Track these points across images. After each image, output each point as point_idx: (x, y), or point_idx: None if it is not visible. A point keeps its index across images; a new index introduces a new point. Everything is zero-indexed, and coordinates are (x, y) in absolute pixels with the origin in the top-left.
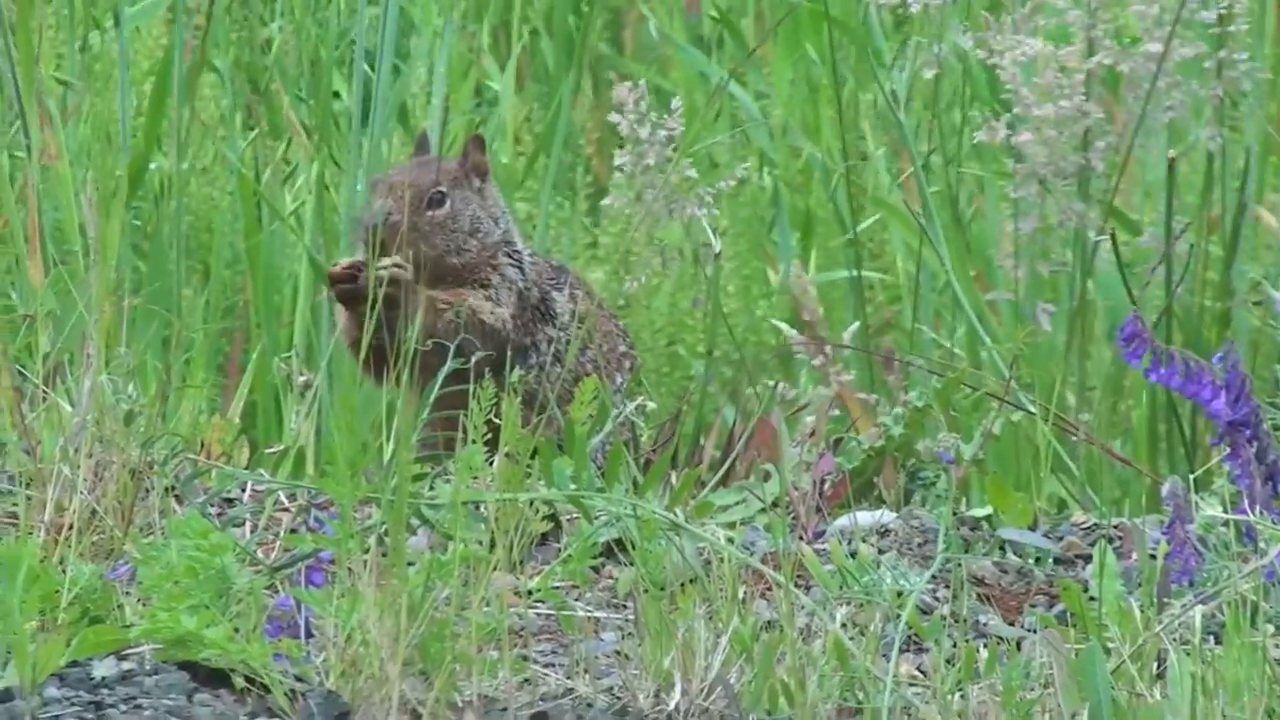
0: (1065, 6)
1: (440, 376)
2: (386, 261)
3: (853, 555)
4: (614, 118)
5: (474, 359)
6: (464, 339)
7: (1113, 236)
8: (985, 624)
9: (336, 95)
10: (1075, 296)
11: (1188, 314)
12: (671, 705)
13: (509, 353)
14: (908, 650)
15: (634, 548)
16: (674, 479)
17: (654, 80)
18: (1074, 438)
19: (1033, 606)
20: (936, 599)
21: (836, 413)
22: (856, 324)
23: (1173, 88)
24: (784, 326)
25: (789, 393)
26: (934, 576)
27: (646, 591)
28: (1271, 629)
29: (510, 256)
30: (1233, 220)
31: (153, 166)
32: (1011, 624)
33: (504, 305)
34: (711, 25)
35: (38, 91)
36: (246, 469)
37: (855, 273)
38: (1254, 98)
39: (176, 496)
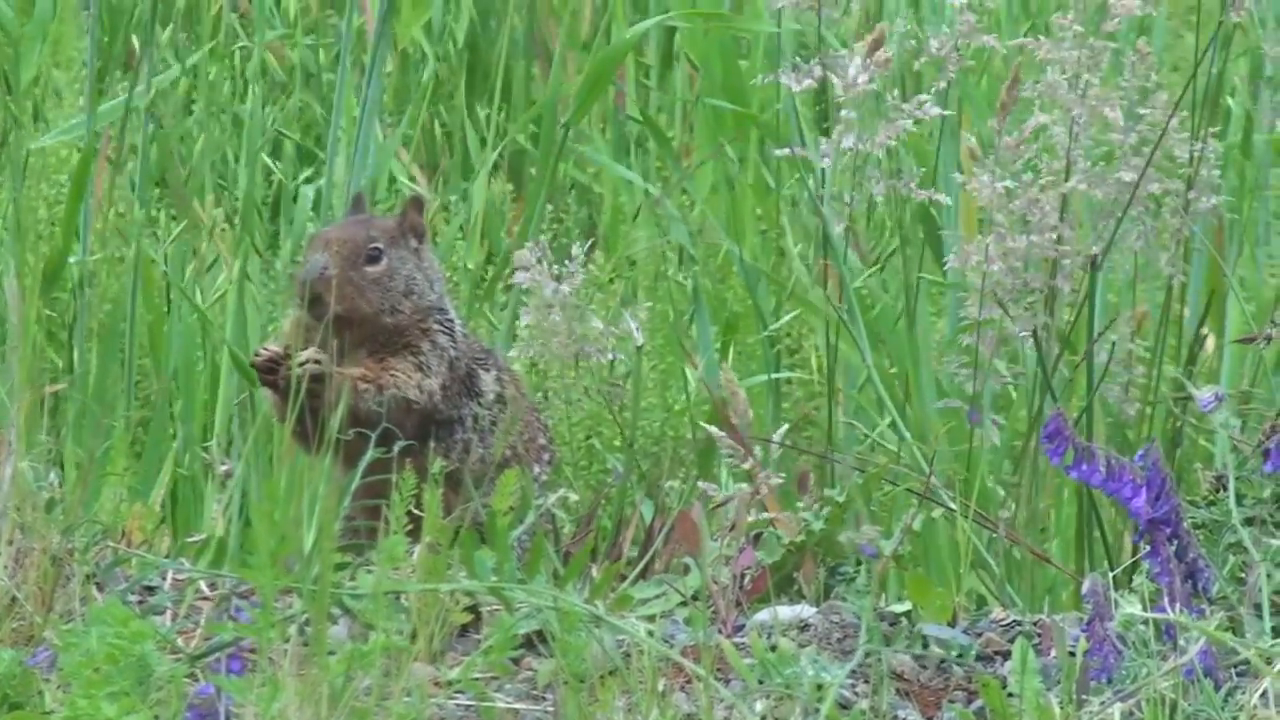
0: (1051, 124)
1: (361, 466)
2: (305, 355)
3: (773, 649)
4: (518, 277)
5: (398, 444)
6: (389, 412)
7: (1035, 337)
8: (904, 719)
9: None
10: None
11: (1110, 413)
12: None
13: (434, 425)
14: None
15: (554, 639)
16: (594, 571)
17: (585, 180)
18: (994, 534)
19: (951, 702)
20: (856, 694)
21: (756, 516)
22: (786, 425)
23: (1142, 216)
24: (711, 429)
25: (711, 489)
26: (854, 671)
27: (566, 683)
28: None
29: (442, 324)
30: (1160, 316)
31: (71, 260)
32: (930, 719)
33: (433, 375)
34: (636, 126)
35: None
36: (167, 557)
37: (770, 376)
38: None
39: (97, 584)
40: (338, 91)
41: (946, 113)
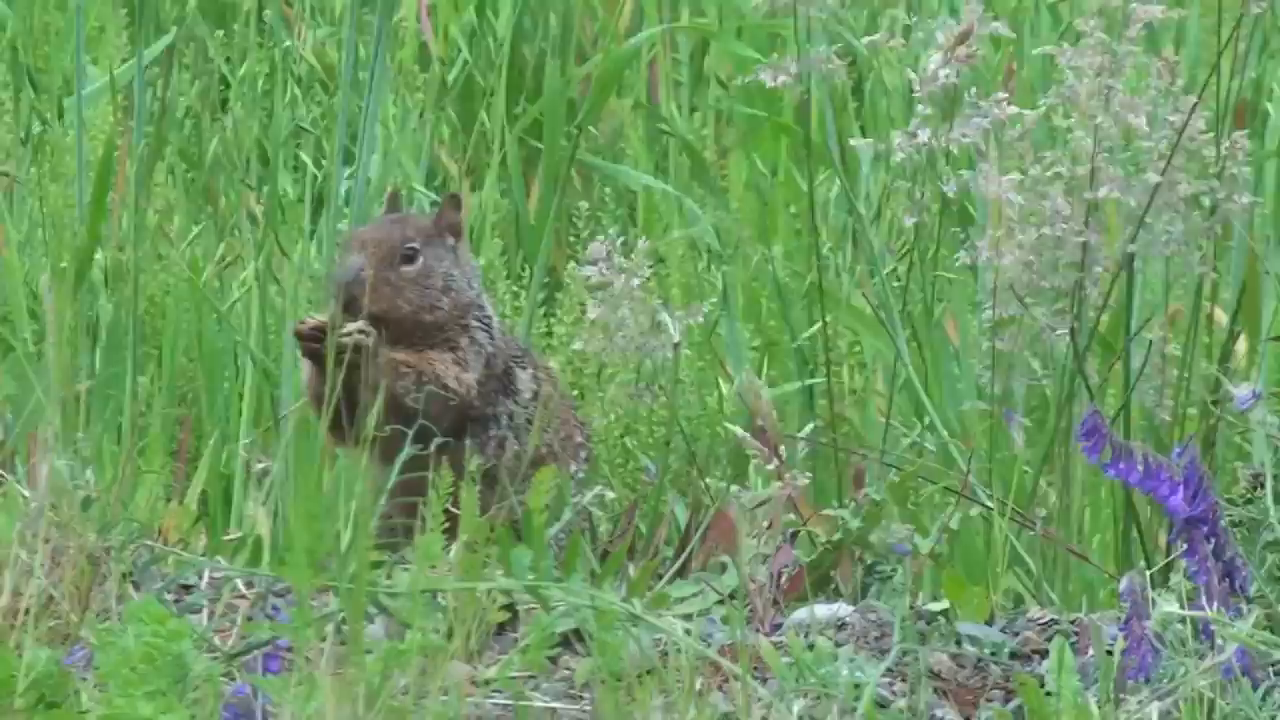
0: (1074, 130)
1: (398, 463)
2: (352, 327)
3: (810, 648)
4: (586, 270)
5: (435, 441)
6: (428, 399)
7: (1072, 334)
8: (941, 718)
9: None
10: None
11: (1146, 411)
12: None
13: (469, 422)
14: None
15: (591, 638)
16: (631, 570)
17: (619, 181)
18: (1031, 533)
19: (989, 701)
20: (893, 693)
21: (791, 516)
22: (812, 424)
23: (1172, 220)
24: (737, 430)
25: (744, 493)
26: (891, 670)
27: (604, 682)
28: None
29: (480, 320)
30: (1190, 315)
31: (99, 258)
32: (968, 718)
33: (470, 370)
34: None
35: None
36: (204, 555)
37: (804, 383)
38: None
39: (134, 582)
40: (369, 90)
41: (1025, 111)
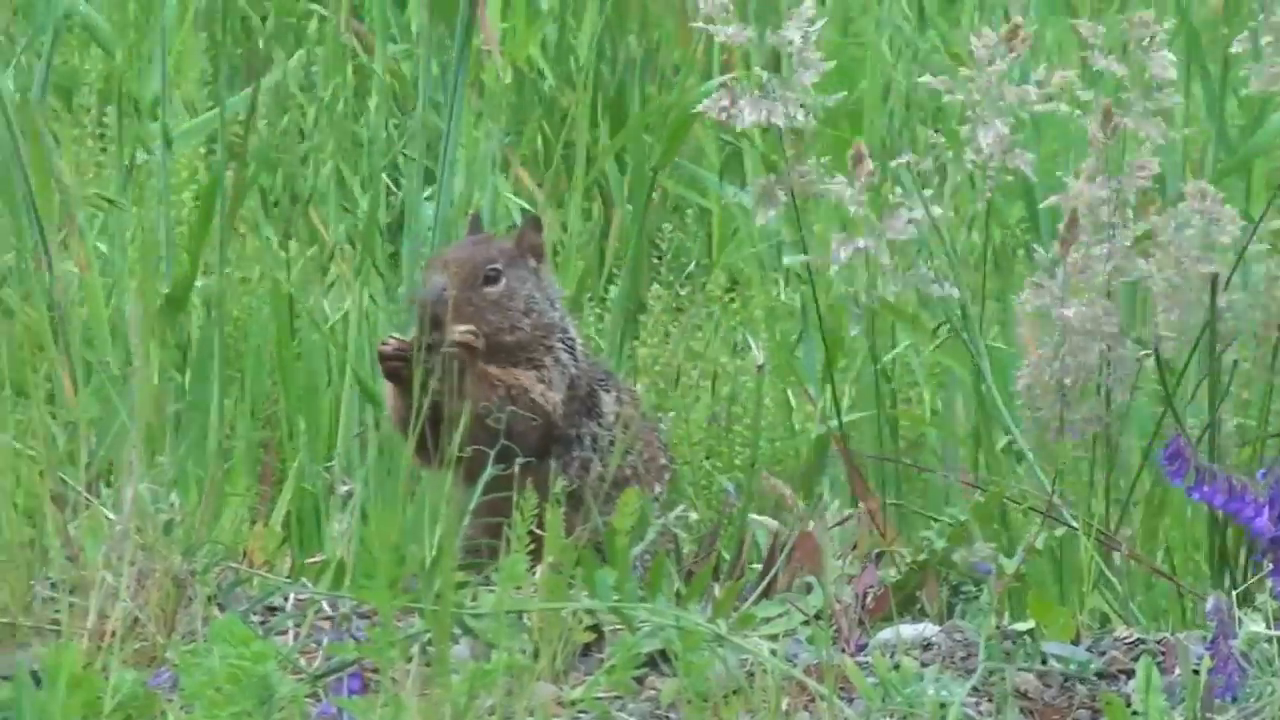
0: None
1: (481, 483)
2: (462, 328)
3: (896, 668)
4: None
5: (519, 461)
6: (512, 419)
7: (1157, 358)
8: None
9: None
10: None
11: (1229, 434)
12: None
13: (553, 443)
14: None
15: (677, 658)
16: (716, 590)
17: (694, 198)
18: (1116, 553)
19: None
20: (979, 712)
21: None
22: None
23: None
24: (774, 479)
25: (825, 508)
26: (977, 690)
27: (690, 702)
28: None
29: (563, 342)
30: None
31: (198, 284)
32: None
33: (555, 389)
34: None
35: (67, 205)
36: (288, 578)
37: (879, 413)
38: None
39: (219, 604)
40: (449, 110)
41: (1067, 109)
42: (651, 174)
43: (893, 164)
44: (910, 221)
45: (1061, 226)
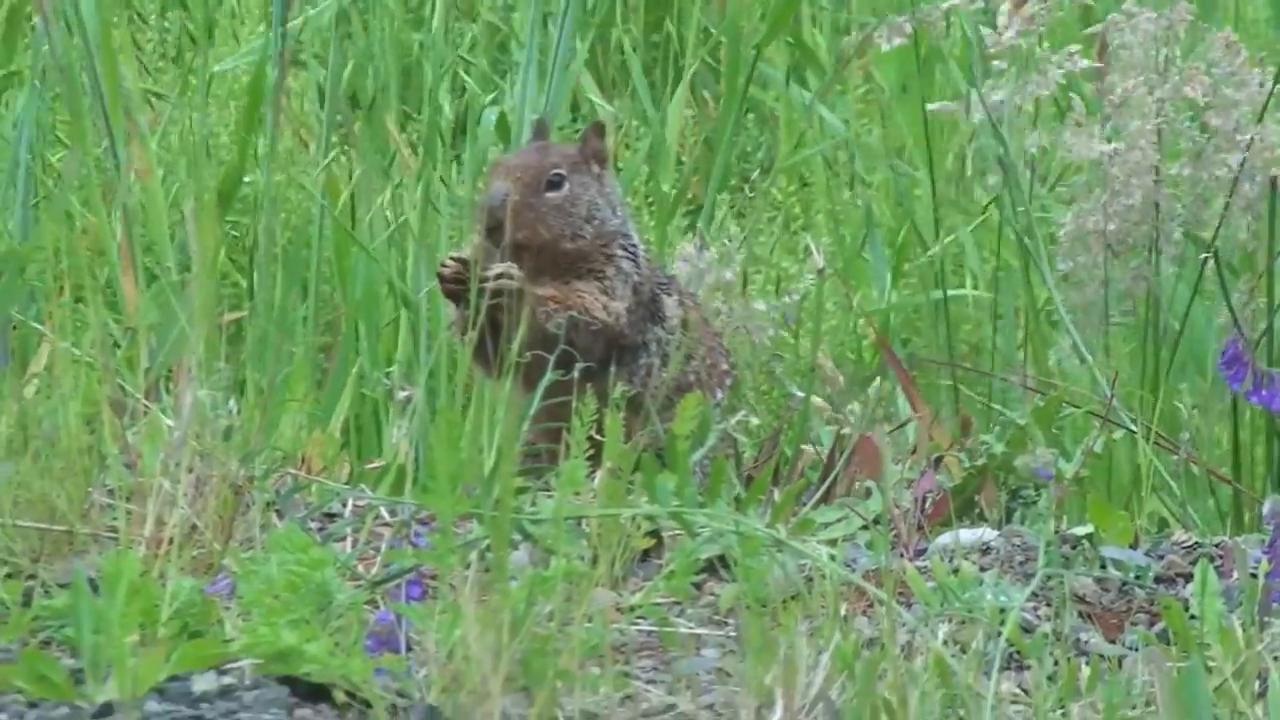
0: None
1: (541, 389)
2: (497, 268)
3: (955, 573)
4: (680, 267)
5: (578, 366)
6: (575, 334)
7: (1216, 257)
8: (1087, 642)
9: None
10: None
11: None
12: None
13: (618, 350)
14: (1009, 668)
15: (736, 564)
16: (775, 495)
17: (752, 98)
18: (1175, 456)
19: (1134, 625)
20: (1038, 617)
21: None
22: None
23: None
24: (816, 399)
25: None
26: (1035, 595)
27: (748, 608)
28: None
29: (625, 249)
30: None
31: (248, 180)
32: (1113, 642)
33: (619, 299)
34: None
35: (126, 108)
36: (346, 484)
37: (944, 293)
38: None
39: (277, 511)
40: (530, 13)
41: (1096, 65)
42: (755, 51)
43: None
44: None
45: (1095, 51)
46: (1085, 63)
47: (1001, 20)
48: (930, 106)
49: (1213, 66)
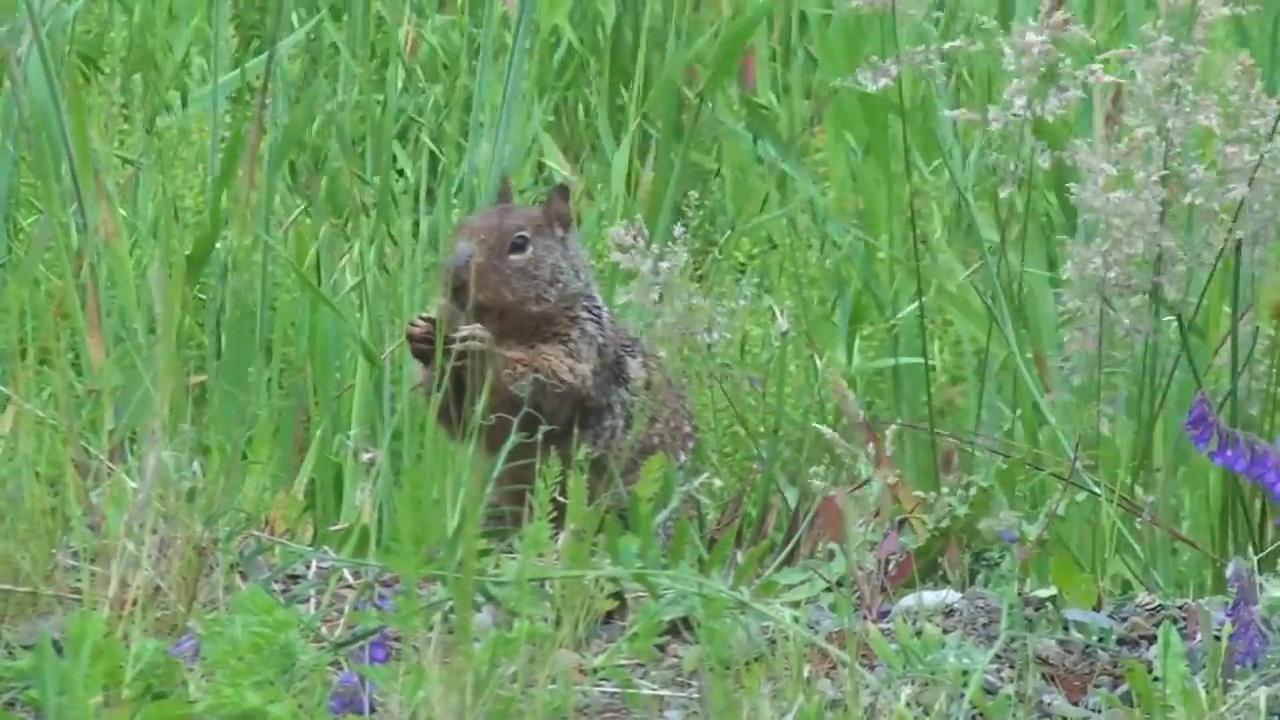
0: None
1: (505, 450)
2: (465, 330)
3: (918, 634)
4: (615, 257)
5: (542, 429)
6: (541, 397)
7: (1180, 321)
8: (1050, 704)
9: (400, 173)
10: (1144, 384)
11: (1253, 398)
12: None
13: (582, 413)
14: None
15: (699, 626)
16: (739, 557)
17: (710, 164)
18: (1139, 519)
19: (1097, 687)
20: (1001, 679)
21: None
22: (897, 422)
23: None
24: (824, 429)
25: (853, 469)
26: (999, 656)
27: (711, 670)
28: None
29: (589, 311)
30: None
31: (218, 245)
32: (1076, 704)
33: (584, 361)
34: (763, 111)
35: (95, 170)
36: (310, 546)
37: (895, 361)
38: None
39: (241, 573)
40: (479, 77)
41: (1119, 80)
42: (698, 100)
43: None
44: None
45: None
46: (1108, 78)
47: (1029, 37)
48: (948, 113)
49: (1230, 94)
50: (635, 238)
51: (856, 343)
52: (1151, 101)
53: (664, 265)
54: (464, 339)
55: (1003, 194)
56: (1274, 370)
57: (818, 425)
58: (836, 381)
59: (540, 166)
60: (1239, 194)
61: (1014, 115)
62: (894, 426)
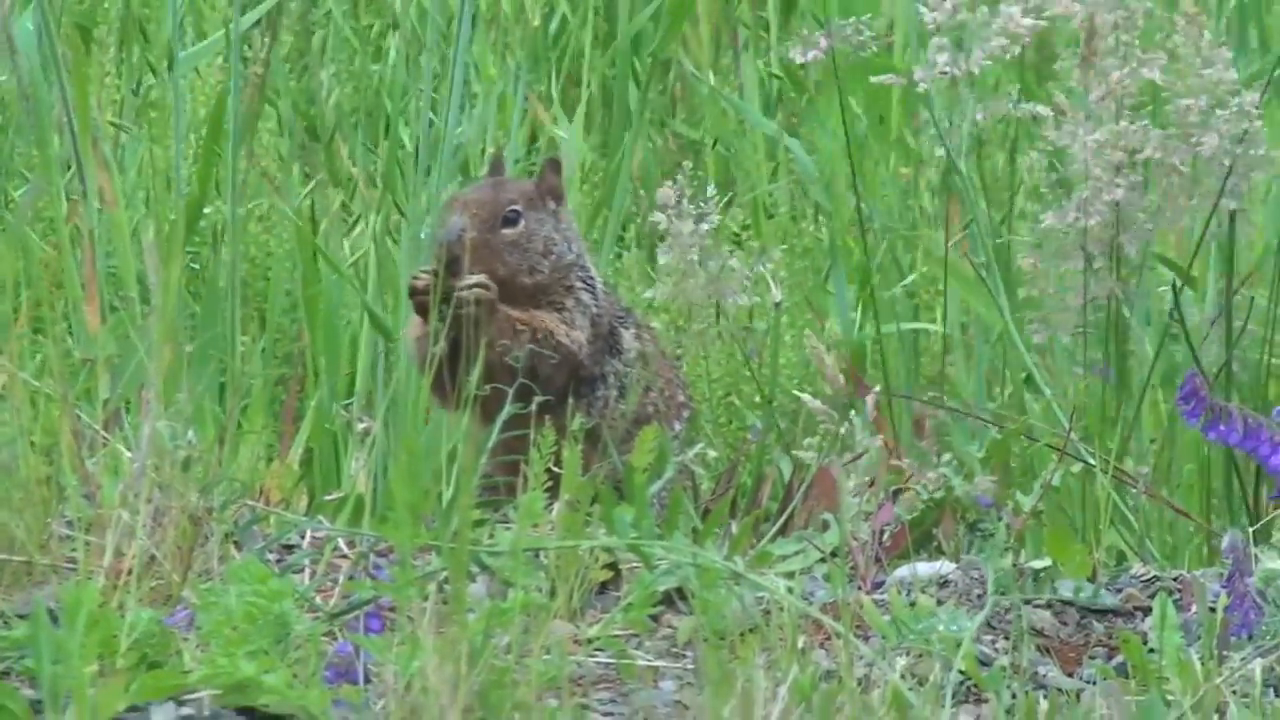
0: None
1: (499, 421)
2: (472, 279)
3: (912, 605)
4: (656, 216)
5: (537, 399)
6: (538, 360)
7: (1174, 289)
8: (1045, 675)
9: (400, 145)
10: (1113, 348)
11: (1246, 370)
12: None
13: (575, 382)
14: (968, 701)
15: (694, 596)
16: (734, 527)
17: (689, 134)
18: (1133, 490)
19: (1092, 658)
20: (996, 650)
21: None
22: (877, 388)
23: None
24: (806, 397)
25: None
26: (993, 627)
27: (706, 640)
28: None
29: (583, 281)
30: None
31: (208, 211)
32: (1071, 675)
33: (578, 328)
34: (766, 79)
35: (94, 138)
36: (305, 515)
37: (898, 328)
38: None
39: (235, 542)
40: (456, 47)
41: (1040, 23)
42: (650, 58)
43: None
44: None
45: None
46: (1028, 22)
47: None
48: (875, 79)
49: (1177, 48)
50: (679, 198)
51: (861, 309)
52: (1099, 56)
53: (702, 227)
54: (470, 287)
55: (939, 154)
56: (1267, 339)
57: (799, 393)
58: (815, 347)
59: (533, 135)
60: (1211, 147)
61: (940, 74)
62: (872, 395)
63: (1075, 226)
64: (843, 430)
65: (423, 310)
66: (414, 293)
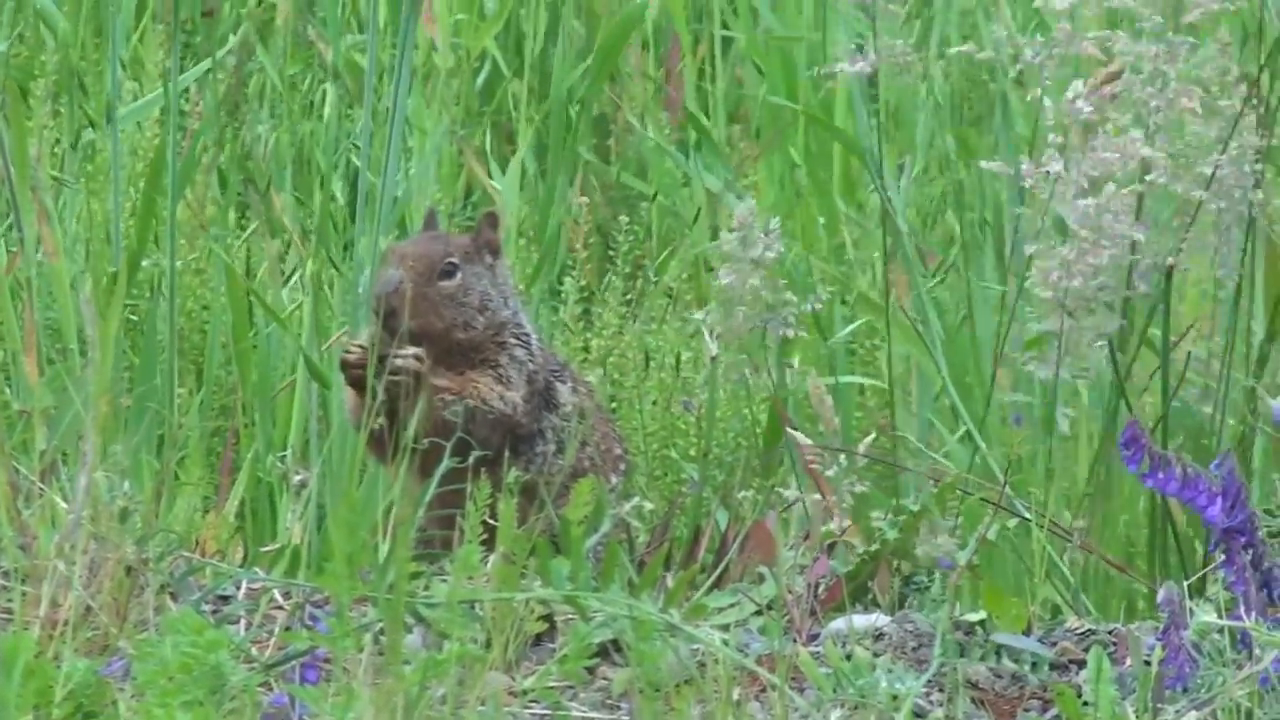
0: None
1: (437, 476)
2: (408, 351)
3: (848, 658)
4: (725, 237)
5: (473, 454)
6: (473, 425)
7: (1111, 346)
8: None
9: (332, 197)
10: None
11: (1185, 421)
12: None
13: (513, 439)
14: None
15: (629, 648)
16: (669, 580)
17: (636, 185)
18: (1069, 543)
19: (1027, 711)
20: (931, 703)
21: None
22: (874, 434)
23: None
24: (799, 435)
25: (786, 494)
26: (929, 680)
27: (642, 692)
28: None
29: (518, 338)
30: (1228, 324)
31: (145, 264)
32: None
33: (513, 388)
34: (693, 131)
35: (35, 189)
36: (241, 567)
37: (836, 380)
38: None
39: (171, 593)
40: (394, 101)
41: (1154, 154)
42: (579, 105)
43: None
44: None
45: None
46: (1148, 151)
47: (1076, 88)
48: (984, 164)
49: (1208, 79)
50: (748, 224)
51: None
52: (1137, 89)
53: (768, 253)
54: (401, 358)
55: (1029, 250)
56: (1222, 383)
57: (794, 433)
58: (815, 385)
59: (469, 189)
60: (1157, 178)
61: (1047, 174)
62: (851, 451)
63: (1060, 286)
64: (830, 472)
65: (356, 384)
66: (346, 366)
